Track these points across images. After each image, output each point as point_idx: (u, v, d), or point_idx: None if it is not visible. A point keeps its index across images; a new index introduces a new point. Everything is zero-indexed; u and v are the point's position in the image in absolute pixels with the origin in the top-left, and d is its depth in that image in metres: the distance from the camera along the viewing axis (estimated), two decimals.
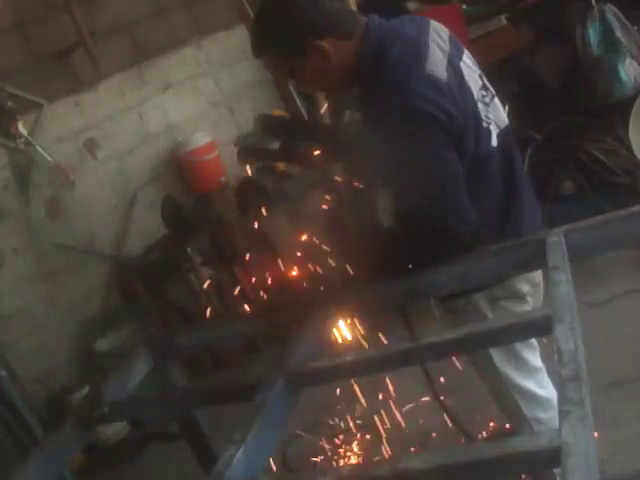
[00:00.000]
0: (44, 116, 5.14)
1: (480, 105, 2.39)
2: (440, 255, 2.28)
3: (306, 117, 5.82)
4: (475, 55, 2.60)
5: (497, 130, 2.45)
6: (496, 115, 2.50)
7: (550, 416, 2.43)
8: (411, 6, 5.77)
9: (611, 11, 4.86)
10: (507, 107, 5.08)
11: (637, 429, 3.27)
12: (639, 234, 2.18)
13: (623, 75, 4.71)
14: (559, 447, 1.31)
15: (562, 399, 1.44)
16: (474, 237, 2.27)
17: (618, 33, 4.81)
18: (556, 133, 5.12)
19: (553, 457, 1.31)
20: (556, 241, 2.13)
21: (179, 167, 5.74)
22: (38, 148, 4.99)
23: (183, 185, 5.79)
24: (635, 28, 4.94)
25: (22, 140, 4.97)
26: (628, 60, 4.75)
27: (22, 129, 4.95)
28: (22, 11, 5.06)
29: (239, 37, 6.16)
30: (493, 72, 5.52)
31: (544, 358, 2.50)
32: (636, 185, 4.74)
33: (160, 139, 5.73)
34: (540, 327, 1.79)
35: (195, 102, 5.93)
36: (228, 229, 4.87)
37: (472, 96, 2.36)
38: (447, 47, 2.37)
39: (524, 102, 5.44)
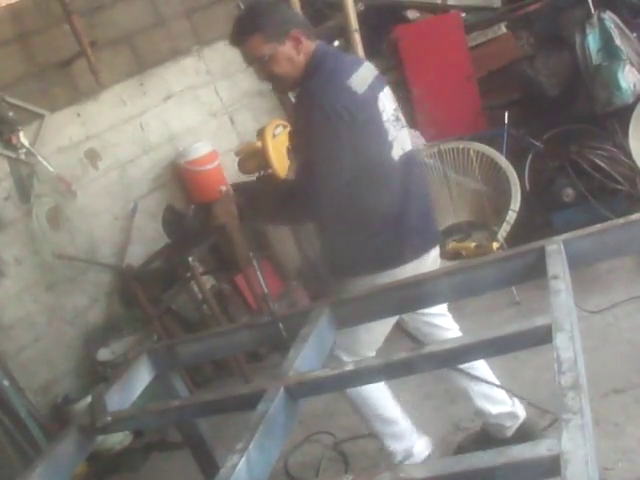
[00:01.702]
0: (45, 126, 5.15)
1: (388, 124, 2.94)
2: (297, 215, 3.02)
3: None
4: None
5: (400, 150, 2.98)
6: (402, 139, 3.02)
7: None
8: (411, 15, 5.80)
9: (610, 19, 4.87)
10: (507, 114, 5.15)
11: (639, 436, 3.27)
12: (639, 241, 2.18)
13: (622, 82, 4.71)
14: (559, 456, 1.31)
15: (562, 408, 1.44)
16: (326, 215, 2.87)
17: (617, 41, 4.82)
18: (556, 140, 5.13)
19: (553, 466, 1.32)
20: (556, 249, 2.14)
21: (180, 177, 5.75)
22: (39, 158, 5.00)
23: (184, 194, 5.80)
24: (634, 35, 4.95)
25: (23, 150, 4.98)
26: (627, 67, 4.76)
27: (23, 139, 4.96)
28: (23, 22, 5.07)
29: None
30: (493, 80, 5.62)
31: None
32: (637, 192, 4.75)
33: (161, 149, 5.74)
34: (540, 336, 1.80)
35: (196, 112, 5.94)
36: (229, 238, 4.87)
37: (382, 115, 2.92)
38: (372, 77, 2.97)
39: (524, 109, 5.47)
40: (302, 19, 3.05)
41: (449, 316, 3.39)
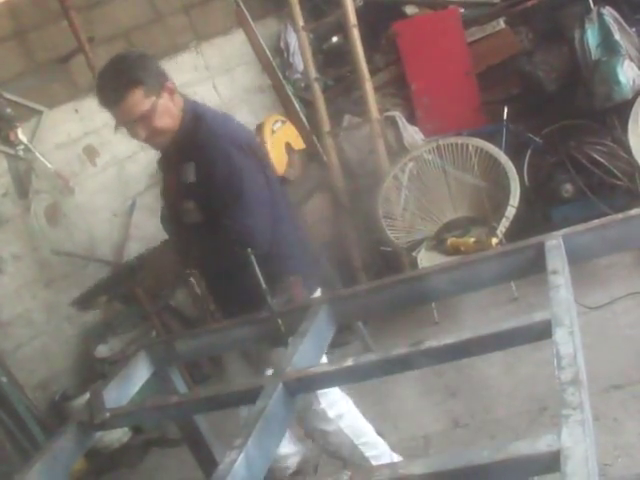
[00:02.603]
0: (43, 123, 5.14)
1: None
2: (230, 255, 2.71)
3: (305, 122, 5.85)
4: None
5: None
6: None
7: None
8: (409, 11, 5.79)
9: (609, 14, 4.88)
10: (506, 110, 5.15)
11: (638, 432, 3.27)
12: (638, 237, 2.18)
13: (622, 77, 4.71)
14: (558, 451, 1.31)
15: (561, 403, 1.44)
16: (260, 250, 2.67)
17: (616, 36, 4.82)
18: (555, 136, 5.13)
19: (552, 461, 1.31)
20: (555, 244, 2.13)
21: None
22: (37, 155, 4.98)
23: None
24: (633, 30, 4.95)
25: (22, 147, 4.96)
26: (626, 62, 4.75)
27: (21, 136, 4.94)
28: (21, 18, 5.06)
29: (237, 42, 6.19)
30: (492, 75, 5.61)
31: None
32: (636, 187, 4.74)
33: None
34: (539, 331, 1.79)
35: None
36: None
37: None
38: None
39: (523, 105, 5.46)
40: (165, 71, 2.92)
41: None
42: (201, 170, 2.81)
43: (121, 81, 2.67)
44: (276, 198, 2.98)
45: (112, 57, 2.83)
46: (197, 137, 2.82)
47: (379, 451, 3.36)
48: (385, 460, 3.35)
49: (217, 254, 2.92)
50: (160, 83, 2.76)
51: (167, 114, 2.79)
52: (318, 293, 3.11)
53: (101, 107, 2.78)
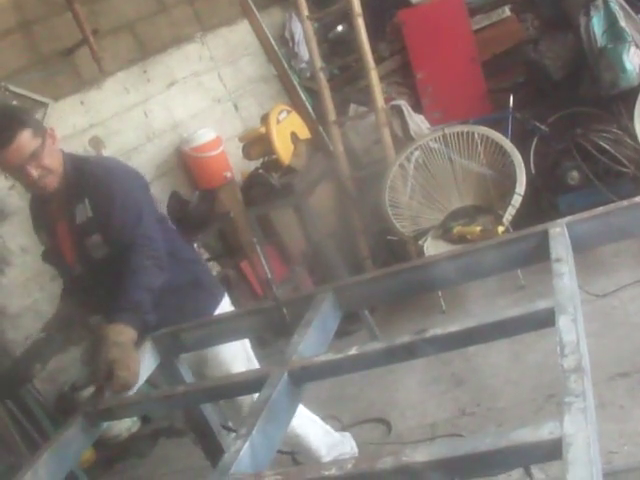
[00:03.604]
0: (49, 115, 5.15)
1: None
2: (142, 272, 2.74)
3: (310, 111, 5.84)
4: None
5: None
6: None
7: None
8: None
9: (615, 0, 4.85)
10: (512, 98, 5.13)
11: None
12: None
13: (628, 64, 4.69)
14: (560, 439, 1.31)
15: (564, 390, 1.44)
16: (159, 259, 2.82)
17: (622, 22, 4.80)
18: (561, 123, 5.12)
19: (554, 449, 1.32)
20: (559, 232, 2.13)
21: (184, 163, 5.75)
22: None
23: (189, 181, 5.80)
24: (639, 17, 4.92)
25: None
26: (632, 49, 4.73)
27: None
28: (25, 11, 5.07)
29: (242, 32, 6.18)
30: (497, 63, 5.60)
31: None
32: None
33: (165, 136, 5.74)
34: (543, 319, 1.79)
35: (199, 98, 5.94)
36: (234, 224, 4.87)
37: None
38: None
39: (529, 93, 5.45)
40: None
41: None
42: (96, 203, 2.88)
43: (10, 124, 2.72)
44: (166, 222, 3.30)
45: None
46: (85, 176, 2.91)
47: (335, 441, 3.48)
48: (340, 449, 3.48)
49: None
50: (43, 128, 2.86)
51: (54, 155, 2.85)
52: (227, 299, 3.32)
53: None
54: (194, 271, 3.24)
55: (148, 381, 2.71)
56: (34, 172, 2.75)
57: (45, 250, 3.15)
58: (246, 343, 3.29)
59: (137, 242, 2.78)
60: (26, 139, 2.71)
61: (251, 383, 2.08)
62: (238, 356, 3.20)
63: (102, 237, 2.86)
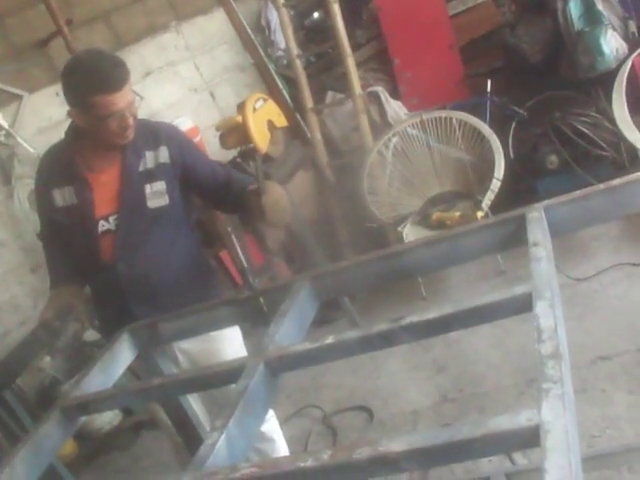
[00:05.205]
0: (24, 107, 5.10)
1: None
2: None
3: (288, 99, 5.81)
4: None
5: None
6: None
7: None
8: None
9: None
10: (489, 82, 5.12)
11: (626, 404, 3.27)
12: (620, 208, 2.15)
13: (605, 48, 4.69)
14: (538, 426, 1.30)
15: (542, 377, 1.43)
16: None
17: (599, 5, 4.80)
18: (539, 107, 5.11)
19: (532, 436, 1.30)
20: (536, 216, 2.11)
21: None
22: (19, 140, 4.95)
23: None
24: (616, 0, 4.92)
25: (3, 132, 4.94)
26: (610, 32, 4.73)
27: (2, 121, 4.92)
28: None
29: (218, 21, 6.13)
30: (474, 48, 5.58)
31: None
32: (621, 158, 4.73)
33: None
34: (520, 304, 1.77)
35: (176, 88, 5.89)
36: (212, 213, 4.83)
37: None
38: None
39: (506, 77, 5.44)
40: None
41: (271, 420, 3.34)
42: (179, 149, 2.99)
43: (123, 69, 2.73)
44: None
45: (95, 50, 2.93)
46: (159, 127, 3.07)
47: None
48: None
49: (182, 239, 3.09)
50: None
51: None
52: None
53: (92, 94, 2.71)
54: (204, 255, 3.42)
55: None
56: (130, 119, 2.79)
57: (50, 218, 3.14)
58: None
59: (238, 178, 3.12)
60: (129, 90, 2.76)
61: (227, 374, 2.05)
62: (240, 351, 3.20)
63: (166, 185, 2.92)
